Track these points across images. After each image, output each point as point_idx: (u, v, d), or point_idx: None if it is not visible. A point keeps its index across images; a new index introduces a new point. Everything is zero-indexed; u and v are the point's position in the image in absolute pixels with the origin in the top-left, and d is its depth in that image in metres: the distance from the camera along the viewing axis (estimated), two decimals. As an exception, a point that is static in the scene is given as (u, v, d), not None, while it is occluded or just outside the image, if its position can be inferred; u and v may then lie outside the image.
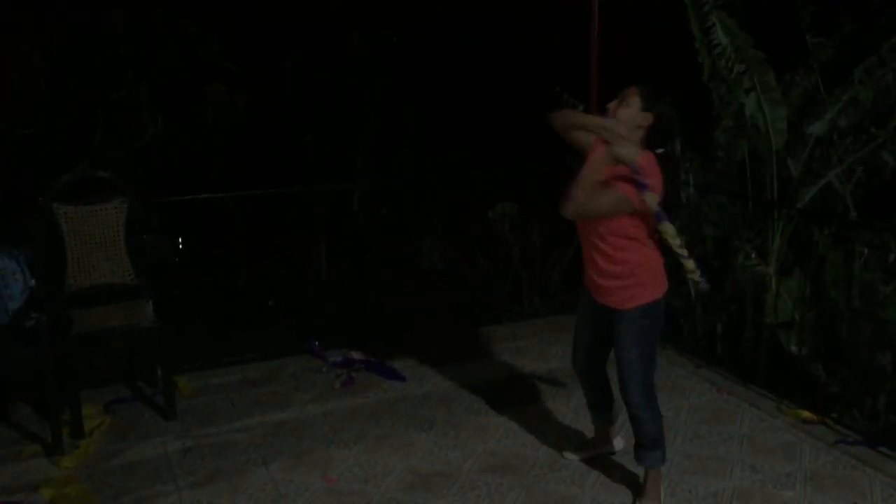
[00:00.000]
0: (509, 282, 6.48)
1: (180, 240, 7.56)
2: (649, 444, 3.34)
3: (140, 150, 7.00)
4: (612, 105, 3.07)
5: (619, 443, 3.76)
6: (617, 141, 2.93)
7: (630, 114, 3.01)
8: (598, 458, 3.75)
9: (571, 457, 3.74)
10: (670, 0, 5.38)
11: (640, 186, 2.93)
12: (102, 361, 4.65)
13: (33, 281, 4.02)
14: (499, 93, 9.00)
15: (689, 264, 3.07)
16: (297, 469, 3.72)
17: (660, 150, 3.09)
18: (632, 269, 3.14)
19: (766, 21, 5.16)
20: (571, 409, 4.24)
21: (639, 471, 3.53)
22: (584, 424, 3.98)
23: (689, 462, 3.76)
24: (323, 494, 3.51)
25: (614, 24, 5.45)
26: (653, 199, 2.94)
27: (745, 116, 5.07)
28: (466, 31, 8.93)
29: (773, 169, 5.06)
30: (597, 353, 3.51)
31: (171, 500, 3.46)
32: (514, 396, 4.47)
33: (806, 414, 4.11)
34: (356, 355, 4.94)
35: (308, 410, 4.33)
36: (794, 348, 4.67)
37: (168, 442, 3.97)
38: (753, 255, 4.94)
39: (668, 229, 3.00)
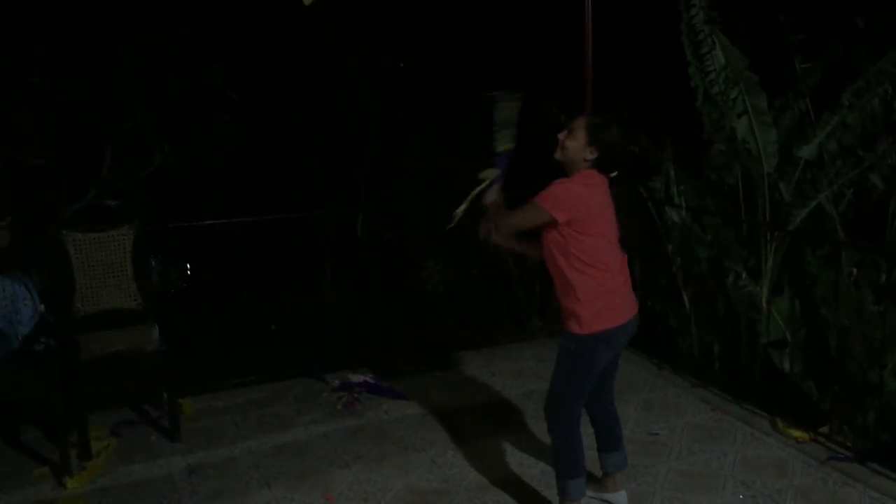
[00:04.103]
0: (508, 303, 6.57)
1: (188, 266, 7.67)
2: (556, 469, 3.36)
3: (147, 178, 7.13)
4: (561, 135, 3.17)
5: (623, 497, 3.61)
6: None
7: (575, 146, 3.13)
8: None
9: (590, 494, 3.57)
10: (662, 27, 5.53)
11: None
12: (109, 384, 4.75)
13: (42, 306, 4.13)
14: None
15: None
16: (299, 489, 3.81)
17: (612, 175, 3.20)
18: (571, 295, 3.18)
19: (755, 46, 5.29)
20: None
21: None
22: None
23: (681, 479, 3.84)
24: (323, 513, 3.60)
25: (608, 50, 5.58)
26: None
27: (737, 140, 5.18)
28: (464, 55, 9.07)
29: (765, 191, 5.17)
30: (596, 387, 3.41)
31: (176, 519, 3.56)
32: (512, 417, 4.55)
33: (797, 433, 4.19)
34: (355, 378, 5.04)
35: (310, 431, 4.42)
36: (786, 366, 4.75)
37: (173, 462, 4.07)
38: (744, 276, 5.04)
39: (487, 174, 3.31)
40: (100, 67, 6.87)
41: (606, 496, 3.63)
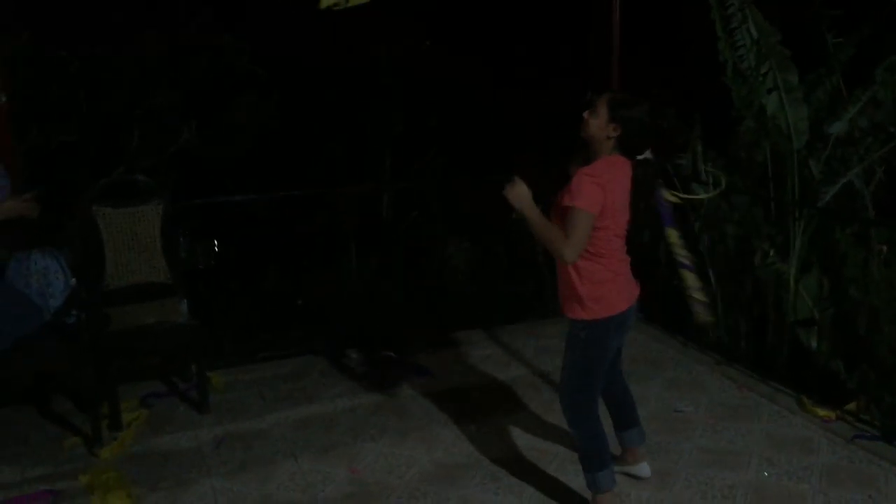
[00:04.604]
0: (533, 281, 6.56)
1: (216, 242, 7.74)
2: (582, 462, 3.32)
3: (174, 155, 7.20)
4: (585, 113, 3.11)
5: (645, 468, 3.66)
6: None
7: (597, 123, 3.07)
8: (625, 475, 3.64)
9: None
10: (691, 4, 5.46)
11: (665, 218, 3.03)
12: (139, 357, 4.83)
13: (74, 280, 4.20)
14: (525, 96, 9.07)
15: (690, 278, 3.04)
16: (324, 460, 3.86)
17: (639, 157, 3.13)
18: (577, 282, 3.12)
19: (786, 21, 5.20)
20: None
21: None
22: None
23: (706, 456, 3.84)
24: (348, 484, 3.64)
25: (636, 25, 5.53)
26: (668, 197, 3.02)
27: (767, 116, 5.11)
28: (490, 36, 9.04)
29: (794, 168, 5.10)
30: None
31: (204, 489, 3.62)
32: (535, 393, 4.57)
33: (824, 412, 4.16)
34: (381, 354, 5.07)
35: (336, 405, 4.47)
36: (813, 345, 4.72)
37: (201, 434, 4.14)
38: (772, 254, 4.99)
39: (671, 235, 3.02)
40: (125, 49, 6.96)
41: (628, 468, 3.64)
